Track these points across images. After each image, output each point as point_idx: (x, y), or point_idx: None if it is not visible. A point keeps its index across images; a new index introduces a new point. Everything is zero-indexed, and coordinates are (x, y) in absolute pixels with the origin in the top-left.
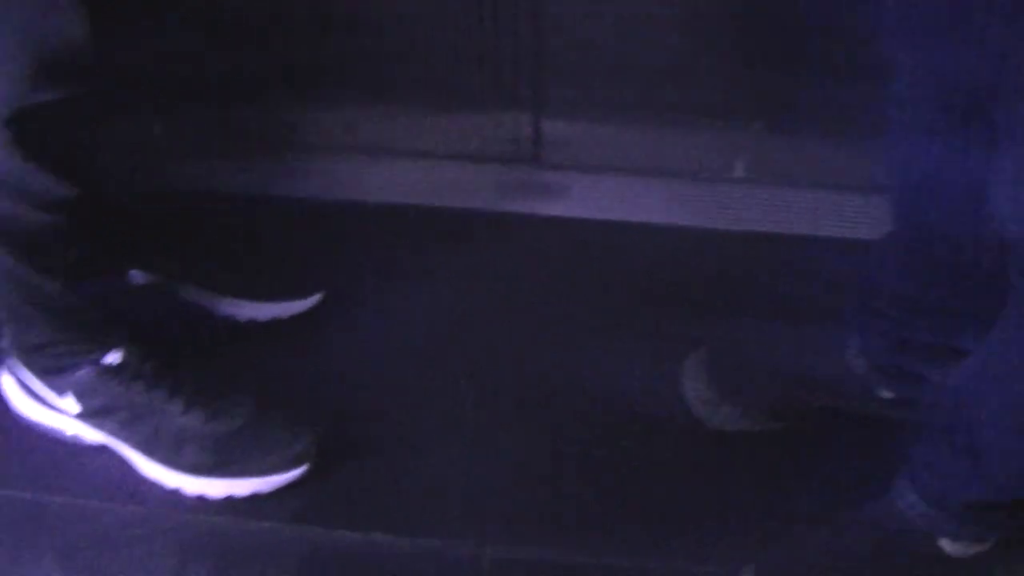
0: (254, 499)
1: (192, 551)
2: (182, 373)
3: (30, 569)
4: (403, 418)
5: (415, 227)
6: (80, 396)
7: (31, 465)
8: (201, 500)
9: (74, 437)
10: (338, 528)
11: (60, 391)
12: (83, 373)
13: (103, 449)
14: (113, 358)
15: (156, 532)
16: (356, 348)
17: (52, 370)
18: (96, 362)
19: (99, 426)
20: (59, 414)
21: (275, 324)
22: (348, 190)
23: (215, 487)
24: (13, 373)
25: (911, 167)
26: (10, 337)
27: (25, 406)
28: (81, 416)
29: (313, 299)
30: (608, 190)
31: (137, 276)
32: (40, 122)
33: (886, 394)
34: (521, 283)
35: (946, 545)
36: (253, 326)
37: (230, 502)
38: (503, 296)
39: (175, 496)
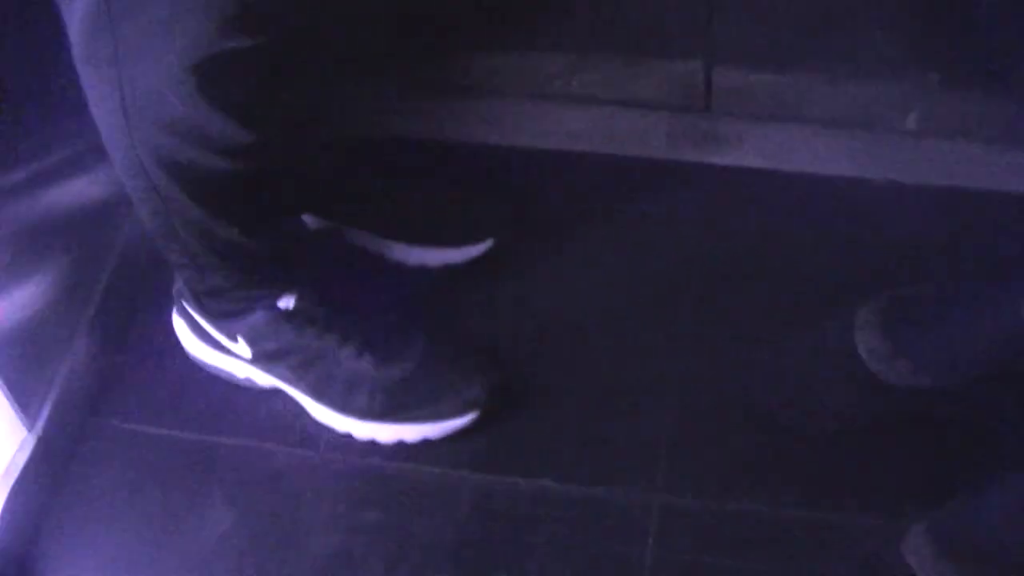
0: (425, 445)
1: (362, 495)
2: (354, 318)
3: (200, 510)
4: (575, 367)
5: (586, 174)
6: (252, 340)
7: (205, 408)
8: (372, 445)
9: (247, 380)
10: (508, 475)
11: (232, 335)
12: (256, 317)
13: (275, 392)
14: (286, 303)
15: (326, 476)
16: (528, 295)
17: (225, 314)
18: (269, 306)
19: (271, 370)
20: (232, 357)
21: (445, 270)
22: (518, 136)
23: (385, 432)
24: (185, 316)
25: None
26: (183, 281)
27: (198, 349)
28: (253, 360)
29: (484, 245)
30: (779, 140)
31: (310, 221)
32: (226, 69)
33: None
34: (692, 231)
35: None
36: (423, 271)
37: (400, 447)
38: (674, 245)
39: (346, 440)
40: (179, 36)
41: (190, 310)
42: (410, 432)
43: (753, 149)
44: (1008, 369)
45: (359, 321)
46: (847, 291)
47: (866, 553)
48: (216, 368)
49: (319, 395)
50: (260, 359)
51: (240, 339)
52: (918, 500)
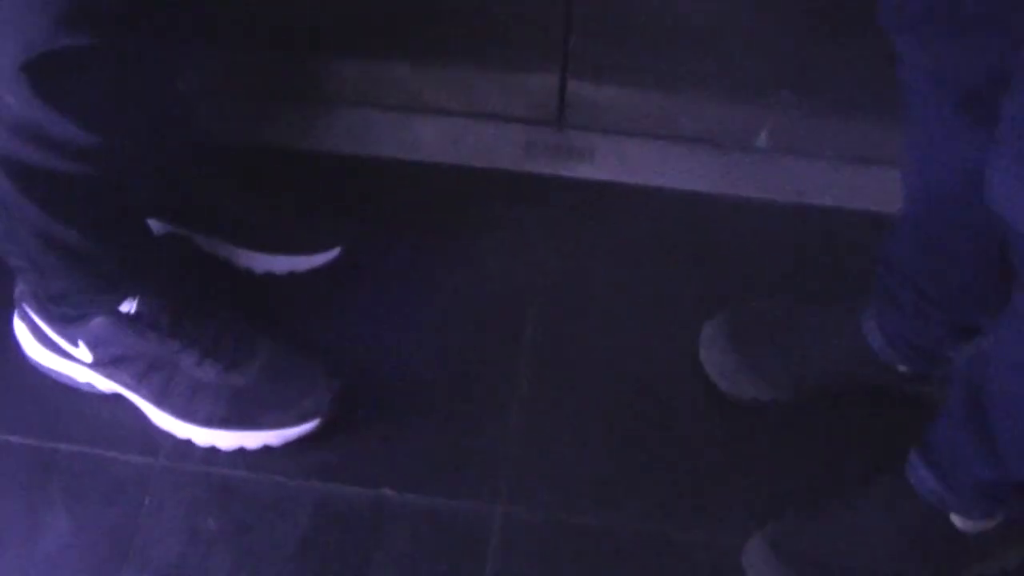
0: (266, 452)
1: (202, 503)
2: (198, 324)
3: (39, 516)
4: (416, 377)
5: (435, 185)
6: (93, 345)
7: (43, 413)
8: (212, 452)
9: (87, 385)
10: (348, 484)
11: (73, 339)
12: (97, 322)
13: (116, 398)
14: (128, 307)
15: (167, 483)
16: (372, 304)
17: (66, 318)
18: (111, 311)
19: (112, 375)
20: (72, 362)
21: (292, 277)
22: (370, 145)
23: (226, 439)
24: (25, 319)
25: (918, 148)
26: (24, 285)
27: (38, 353)
28: (94, 365)
29: (331, 253)
30: (632, 154)
31: (156, 226)
32: (64, 68)
33: (903, 369)
34: (541, 243)
35: (957, 520)
36: (270, 278)
37: (242, 455)
38: (522, 256)
39: (186, 447)
40: (14, 32)
41: (31, 313)
42: (251, 439)
43: (605, 163)
44: (851, 388)
45: (203, 327)
46: (693, 306)
47: (709, 566)
48: (57, 373)
49: (160, 401)
50: (101, 364)
51: (81, 343)
52: (760, 513)
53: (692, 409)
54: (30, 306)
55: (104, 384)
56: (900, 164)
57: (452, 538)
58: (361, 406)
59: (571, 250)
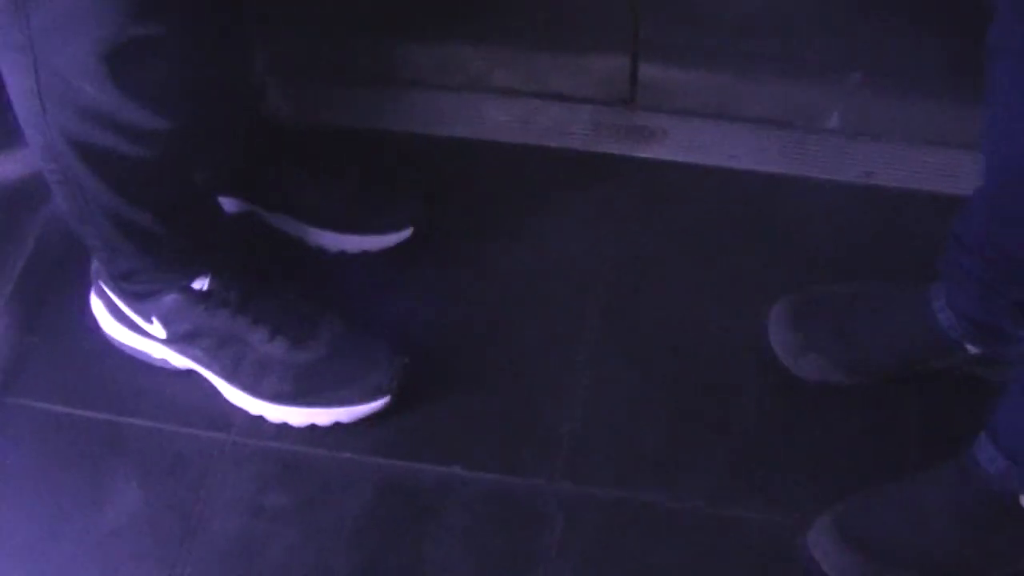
0: (336, 429)
1: (272, 478)
2: (268, 301)
3: (109, 490)
4: (482, 355)
5: (510, 165)
6: (166, 321)
7: (118, 388)
8: (283, 428)
9: (162, 361)
10: (415, 460)
11: (147, 316)
12: (169, 299)
13: (190, 374)
14: (200, 284)
15: (237, 458)
16: (445, 284)
17: (140, 295)
18: (183, 288)
19: (184, 351)
20: (147, 338)
21: (365, 256)
22: (442, 126)
23: (297, 416)
24: (102, 296)
25: (999, 120)
26: (99, 263)
27: (115, 330)
28: (168, 341)
29: (404, 234)
30: (702, 135)
31: (229, 204)
32: (138, 57)
33: (973, 350)
34: (614, 224)
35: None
36: (343, 257)
37: (312, 431)
38: (595, 237)
39: (258, 423)
40: (91, 24)
41: (107, 291)
42: (321, 416)
43: (675, 143)
44: (917, 370)
45: (273, 304)
46: (764, 286)
47: (771, 546)
48: (132, 349)
49: (232, 377)
50: (174, 340)
51: (155, 320)
52: (824, 495)
53: (756, 388)
54: (106, 283)
55: (178, 360)
56: (981, 136)
57: (515, 514)
58: (427, 384)
59: (639, 230)
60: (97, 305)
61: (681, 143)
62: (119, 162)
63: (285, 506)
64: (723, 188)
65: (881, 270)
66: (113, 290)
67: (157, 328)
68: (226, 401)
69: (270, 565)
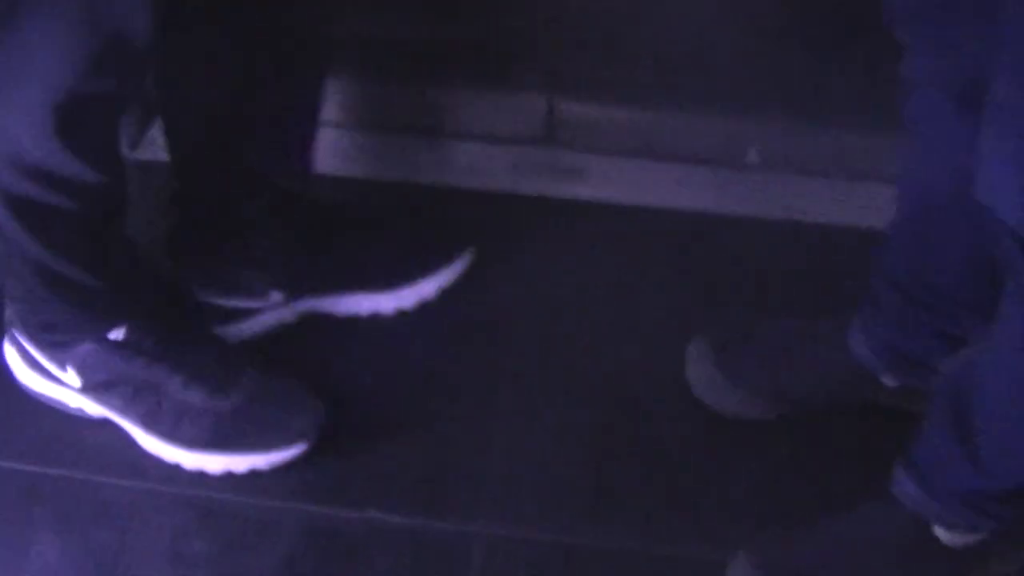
0: (253, 475)
1: (189, 526)
2: (185, 349)
3: (26, 541)
4: (404, 401)
5: (430, 207)
6: (82, 370)
7: (31, 437)
8: (200, 475)
9: (78, 410)
10: (335, 506)
11: (62, 364)
12: (85, 348)
13: (105, 423)
14: (116, 334)
15: (154, 507)
16: (364, 327)
17: (55, 344)
18: (99, 339)
19: (101, 400)
20: (62, 387)
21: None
22: (357, 167)
23: (213, 462)
24: (16, 345)
25: (915, 150)
26: (14, 313)
27: (28, 378)
28: (83, 390)
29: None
30: (623, 172)
31: (289, 312)
32: (86, 112)
33: (891, 383)
34: (529, 262)
35: (941, 534)
36: None
37: (229, 477)
38: (513, 277)
39: (174, 471)
40: (39, 77)
41: (21, 340)
42: (239, 463)
43: (595, 181)
44: (838, 403)
45: (190, 351)
46: (686, 323)
47: None
48: (47, 397)
49: (148, 425)
50: (90, 389)
51: (70, 368)
52: (746, 529)
53: (678, 425)
54: (20, 333)
55: (94, 409)
56: (897, 168)
57: (436, 558)
58: (347, 427)
59: (560, 269)
60: (11, 354)
61: (602, 181)
62: (53, 216)
63: (204, 553)
64: (645, 226)
65: (802, 305)
66: (28, 340)
67: (72, 377)
68: (141, 449)
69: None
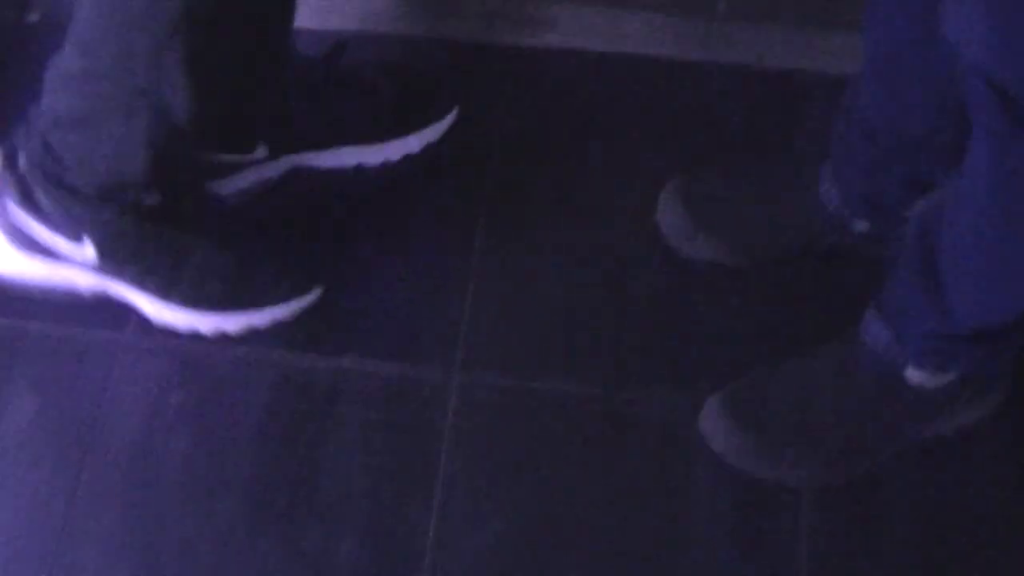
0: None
1: (169, 378)
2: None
3: (3, 397)
4: (381, 245)
5: (402, 58)
6: (104, 239)
7: (8, 291)
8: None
9: (65, 284)
10: (310, 355)
11: (76, 235)
12: (109, 214)
13: None
14: (151, 199)
15: (132, 359)
16: (333, 180)
17: (73, 210)
18: (132, 204)
19: (115, 272)
20: (58, 263)
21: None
22: (333, 20)
23: (233, 322)
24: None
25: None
26: (31, 170)
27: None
28: (100, 259)
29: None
30: (592, 21)
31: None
32: None
33: (860, 227)
34: (502, 112)
35: (911, 376)
36: None
37: None
38: (486, 124)
39: (149, 323)
40: None
41: (15, 212)
42: (260, 318)
43: (566, 30)
44: (807, 249)
45: (207, 214)
46: (656, 170)
47: (665, 429)
48: (28, 281)
49: (166, 294)
50: (109, 259)
51: (86, 239)
52: (717, 376)
53: (649, 273)
54: (19, 201)
55: (90, 282)
56: (864, 13)
57: (410, 406)
58: (324, 278)
59: (531, 118)
60: None
61: (572, 30)
62: None
63: (184, 405)
64: (615, 74)
65: (772, 152)
66: (32, 211)
67: (86, 249)
68: (120, 302)
69: (170, 467)
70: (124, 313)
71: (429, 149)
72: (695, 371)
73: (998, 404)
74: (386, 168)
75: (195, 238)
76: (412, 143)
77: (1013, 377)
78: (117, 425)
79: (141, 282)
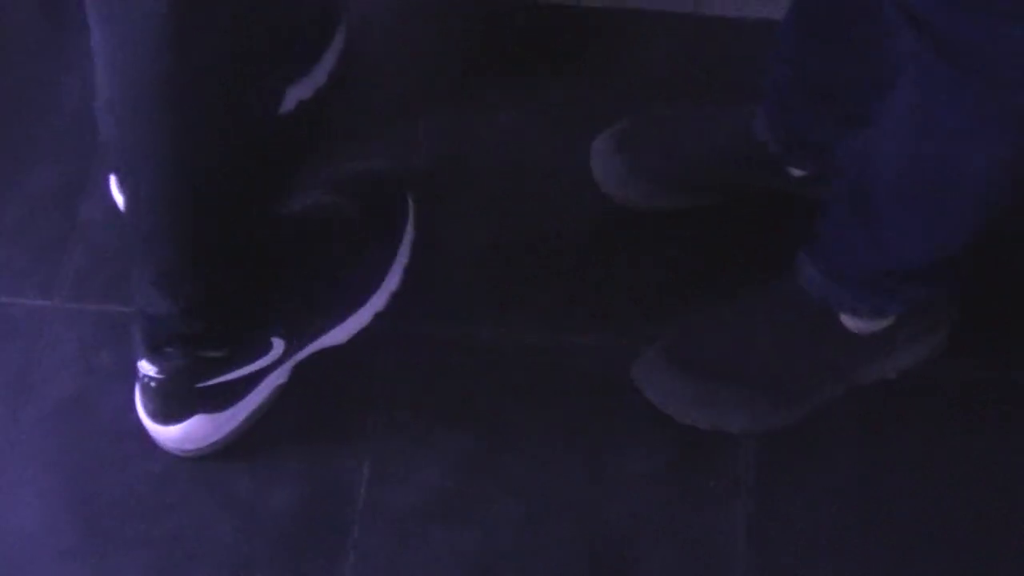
0: None
1: (98, 339)
2: None
3: None
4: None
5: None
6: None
7: None
8: (109, 292)
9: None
10: None
11: None
12: None
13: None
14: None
15: (63, 322)
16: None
17: None
18: None
19: None
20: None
21: None
22: None
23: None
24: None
25: None
26: None
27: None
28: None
29: None
30: None
31: None
32: None
33: (796, 172)
34: (437, 56)
35: (847, 321)
36: None
37: None
38: (420, 72)
39: (83, 286)
40: None
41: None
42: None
43: None
44: (742, 190)
45: None
46: (591, 117)
47: (602, 375)
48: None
49: None
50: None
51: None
52: (657, 320)
53: (585, 219)
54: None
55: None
56: None
57: (344, 358)
58: None
59: (461, 65)
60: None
61: None
62: None
63: (114, 364)
64: (552, 22)
65: (708, 96)
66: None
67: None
68: (53, 269)
69: (101, 423)
70: (53, 280)
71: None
72: (633, 317)
73: (941, 346)
74: None
75: None
76: None
77: (953, 317)
78: (48, 386)
79: None
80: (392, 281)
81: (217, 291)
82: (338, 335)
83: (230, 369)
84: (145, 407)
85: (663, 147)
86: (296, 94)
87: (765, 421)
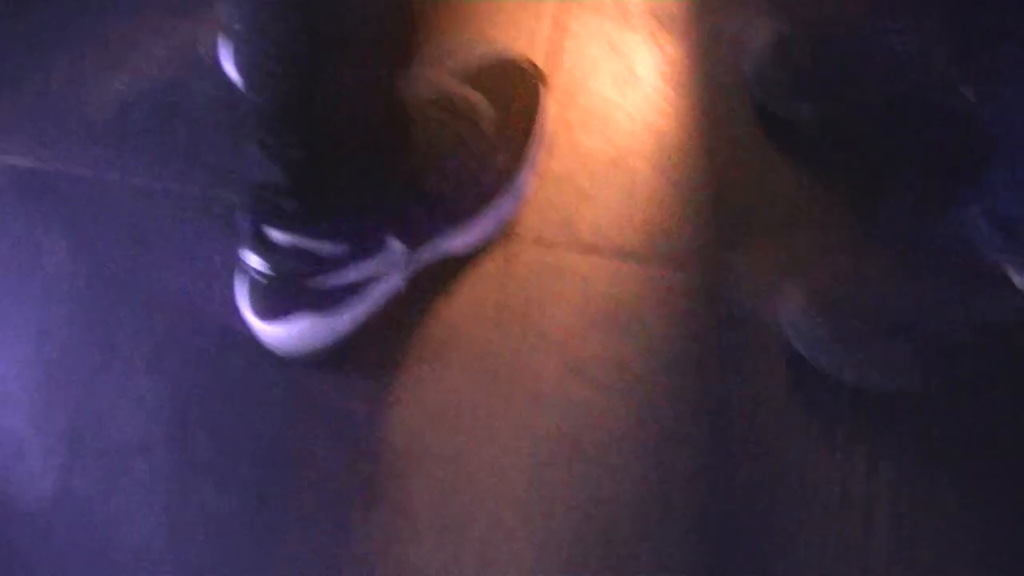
0: None
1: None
2: None
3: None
4: None
5: None
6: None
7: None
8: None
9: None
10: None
11: None
12: None
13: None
14: None
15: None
16: None
17: None
18: None
19: None
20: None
21: None
22: None
23: None
24: None
25: None
26: None
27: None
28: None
29: None
30: None
31: None
32: None
33: (969, 94)
34: None
35: (1016, 279)
36: None
37: None
38: None
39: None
40: None
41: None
42: None
43: None
44: (900, 114)
45: None
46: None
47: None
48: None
49: None
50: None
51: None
52: (801, 259)
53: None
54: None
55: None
56: None
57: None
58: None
59: None
60: None
61: None
62: None
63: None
64: None
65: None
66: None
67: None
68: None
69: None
70: (156, 161)
71: None
72: (781, 247)
73: None
74: None
75: None
76: None
77: None
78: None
79: None
80: (521, 187)
81: (325, 161)
82: (460, 242)
83: (343, 267)
84: (251, 303)
85: (828, 56)
86: None
87: (902, 381)
